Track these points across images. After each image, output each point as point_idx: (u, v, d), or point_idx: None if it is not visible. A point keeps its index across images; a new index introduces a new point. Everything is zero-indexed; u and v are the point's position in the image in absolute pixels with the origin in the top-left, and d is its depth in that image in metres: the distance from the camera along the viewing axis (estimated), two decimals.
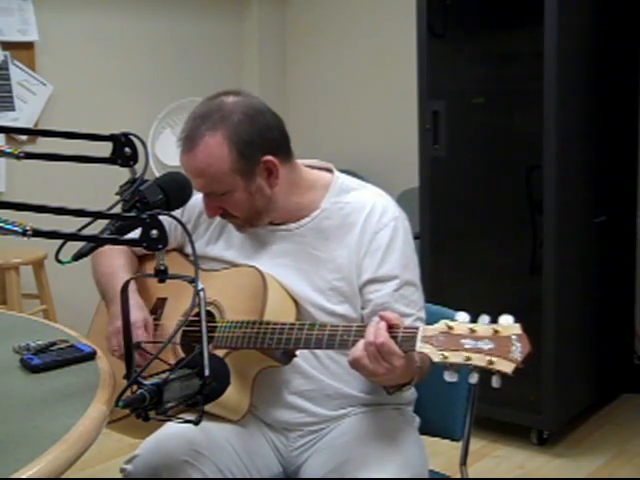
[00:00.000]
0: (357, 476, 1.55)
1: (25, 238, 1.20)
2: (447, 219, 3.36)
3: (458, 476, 1.89)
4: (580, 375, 3.31)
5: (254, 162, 1.65)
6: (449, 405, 1.87)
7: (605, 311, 3.45)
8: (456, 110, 3.26)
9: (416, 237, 3.32)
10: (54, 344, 1.61)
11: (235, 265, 1.76)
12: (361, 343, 1.46)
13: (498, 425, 3.25)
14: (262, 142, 1.65)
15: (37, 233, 1.19)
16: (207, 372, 1.22)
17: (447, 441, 1.91)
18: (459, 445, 1.88)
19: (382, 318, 1.48)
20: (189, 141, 1.65)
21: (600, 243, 3.39)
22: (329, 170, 1.80)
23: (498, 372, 1.34)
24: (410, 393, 1.81)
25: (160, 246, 1.24)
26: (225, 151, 1.62)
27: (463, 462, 1.88)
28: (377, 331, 1.45)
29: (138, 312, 1.72)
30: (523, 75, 3.13)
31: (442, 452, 2.08)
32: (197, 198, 1.71)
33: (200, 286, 1.21)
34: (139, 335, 1.68)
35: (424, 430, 1.83)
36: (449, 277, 3.34)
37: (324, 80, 4.82)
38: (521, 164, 3.18)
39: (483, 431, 3.20)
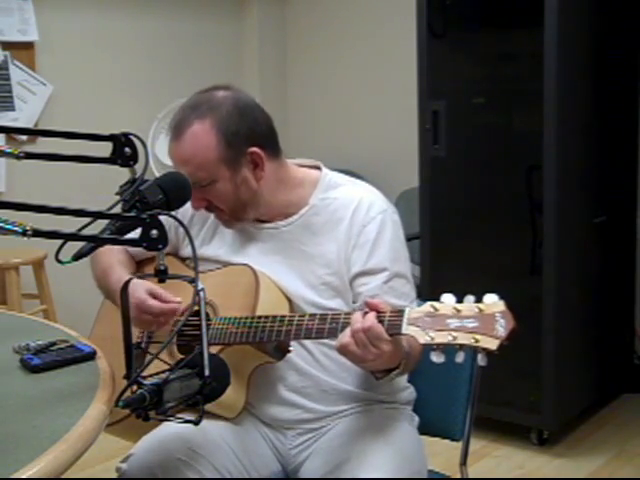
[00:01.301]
0: (357, 476, 1.56)
1: (25, 238, 1.20)
2: (447, 219, 3.36)
3: (458, 476, 1.89)
4: (580, 375, 3.31)
5: (240, 152, 1.67)
6: (449, 405, 1.87)
7: (605, 311, 3.45)
8: (456, 110, 3.26)
9: (416, 237, 3.35)
10: (54, 344, 1.61)
11: (228, 264, 1.76)
12: (349, 329, 1.47)
13: (498, 425, 3.25)
14: (249, 134, 1.67)
15: (37, 233, 1.19)
16: (207, 372, 1.22)
17: (447, 441, 1.91)
18: (459, 445, 1.88)
19: (368, 305, 1.48)
20: (177, 130, 1.68)
21: (600, 243, 3.39)
22: (318, 168, 1.81)
23: (483, 350, 1.35)
24: (408, 393, 1.81)
25: (160, 246, 1.24)
26: (212, 140, 1.64)
27: (463, 462, 1.88)
28: (364, 316, 1.45)
29: (137, 291, 1.67)
30: (523, 75, 3.13)
31: (442, 452, 2.08)
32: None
33: (200, 286, 1.21)
34: (152, 305, 1.66)
35: (424, 430, 1.83)
36: (449, 277, 3.34)
37: (324, 80, 4.82)
38: (521, 164, 3.18)
39: (483, 431, 3.20)
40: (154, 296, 1.69)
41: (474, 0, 3.24)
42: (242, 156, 1.67)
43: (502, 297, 1.41)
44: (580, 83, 3.14)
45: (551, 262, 3.06)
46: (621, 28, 3.40)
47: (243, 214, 1.73)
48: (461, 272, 3.32)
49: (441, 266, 3.37)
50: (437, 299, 1.43)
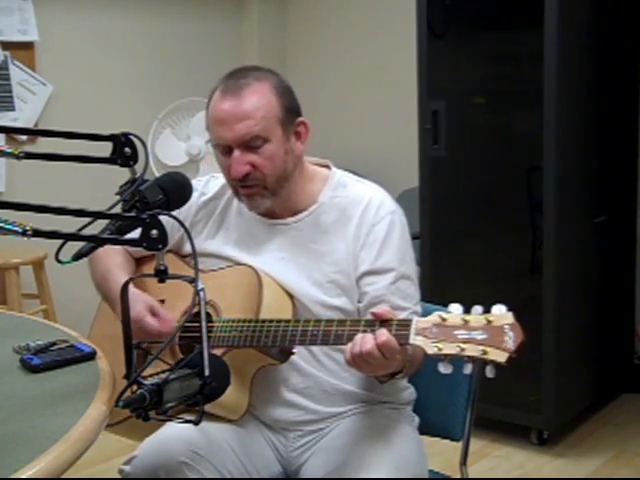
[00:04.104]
0: (357, 476, 1.56)
1: (25, 238, 1.20)
2: (447, 219, 3.36)
3: (458, 476, 1.89)
4: (580, 375, 3.31)
5: (292, 119, 1.70)
6: (449, 405, 1.87)
7: (605, 311, 3.45)
8: (456, 110, 3.26)
9: (416, 237, 3.34)
10: (54, 344, 1.61)
11: (232, 261, 1.76)
12: (357, 346, 1.46)
13: (498, 425, 3.24)
14: (298, 106, 1.73)
15: (37, 233, 1.19)
16: (207, 372, 1.22)
17: (447, 441, 1.91)
18: (459, 445, 1.88)
19: (375, 315, 1.48)
20: (235, 88, 1.67)
21: (600, 243, 3.39)
22: (327, 167, 1.82)
23: (492, 362, 1.35)
24: (409, 393, 1.81)
25: (160, 246, 1.24)
26: (273, 98, 1.67)
27: (463, 462, 1.88)
28: (377, 332, 1.45)
29: (137, 304, 1.66)
30: (523, 75, 3.13)
31: (442, 452, 2.08)
32: (192, 196, 1.70)
33: (200, 286, 1.21)
34: (149, 324, 1.65)
35: (424, 430, 1.83)
36: (449, 277, 3.34)
37: (324, 80, 4.82)
38: (521, 164, 3.18)
39: (483, 431, 3.20)
40: (153, 313, 1.68)
41: (474, 0, 3.24)
42: (292, 124, 1.70)
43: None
44: (580, 83, 3.14)
45: (551, 262, 3.06)
46: (621, 28, 3.40)
47: (281, 189, 1.70)
48: (461, 272, 3.32)
49: (441, 266, 3.37)
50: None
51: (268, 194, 1.70)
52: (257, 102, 1.65)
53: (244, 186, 1.69)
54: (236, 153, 1.66)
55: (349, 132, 4.72)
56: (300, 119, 1.72)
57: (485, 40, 3.22)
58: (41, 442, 1.18)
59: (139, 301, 1.68)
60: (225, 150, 1.68)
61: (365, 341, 1.45)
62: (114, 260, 1.86)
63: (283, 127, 1.67)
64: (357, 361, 1.46)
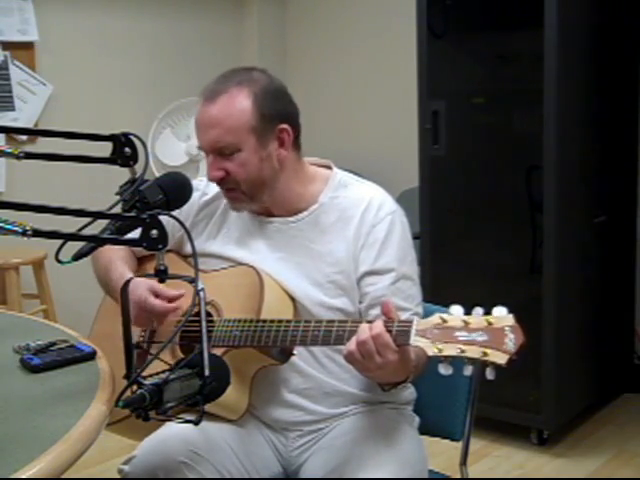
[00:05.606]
0: (357, 476, 1.56)
1: (25, 238, 1.20)
2: (447, 219, 3.36)
3: (458, 476, 1.89)
4: (580, 375, 3.31)
5: (271, 127, 1.68)
6: (449, 405, 1.87)
7: (605, 311, 3.45)
8: (456, 110, 3.26)
9: (416, 237, 3.34)
10: (54, 344, 1.61)
11: (234, 261, 1.76)
12: (355, 337, 1.47)
13: (498, 425, 3.25)
14: (282, 112, 1.70)
15: (37, 233, 1.19)
16: (207, 372, 1.22)
17: (447, 441, 1.91)
18: (459, 445, 1.88)
19: (382, 305, 1.49)
20: (211, 93, 1.67)
21: (600, 243, 3.39)
22: (328, 167, 1.82)
23: (492, 364, 1.35)
24: (409, 393, 1.81)
25: (160, 246, 1.24)
26: (248, 106, 1.65)
27: (463, 462, 1.88)
28: (373, 323, 1.46)
29: (138, 289, 1.67)
30: (523, 75, 3.13)
31: (442, 452, 2.08)
32: (194, 196, 1.71)
33: (200, 286, 1.21)
34: (153, 304, 1.66)
35: (424, 430, 1.83)
36: (449, 277, 3.34)
37: (324, 80, 4.82)
38: (521, 164, 3.18)
39: (483, 431, 3.20)
40: (156, 294, 1.68)
41: (474, 0, 3.24)
42: (272, 132, 1.68)
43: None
44: (580, 83, 3.14)
45: (551, 262, 3.06)
46: (621, 28, 3.40)
47: (259, 194, 1.71)
48: (461, 272, 3.32)
49: (441, 266, 3.37)
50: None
51: (246, 199, 1.72)
52: (228, 110, 1.64)
53: (223, 189, 1.73)
54: (210, 158, 1.69)
55: (349, 132, 4.72)
56: (281, 126, 1.69)
57: (485, 40, 3.22)
58: (41, 442, 1.19)
59: (140, 286, 1.69)
60: (205, 153, 1.70)
61: (361, 331, 1.46)
62: (118, 253, 1.86)
63: (257, 135, 1.66)
64: (353, 353, 1.46)
